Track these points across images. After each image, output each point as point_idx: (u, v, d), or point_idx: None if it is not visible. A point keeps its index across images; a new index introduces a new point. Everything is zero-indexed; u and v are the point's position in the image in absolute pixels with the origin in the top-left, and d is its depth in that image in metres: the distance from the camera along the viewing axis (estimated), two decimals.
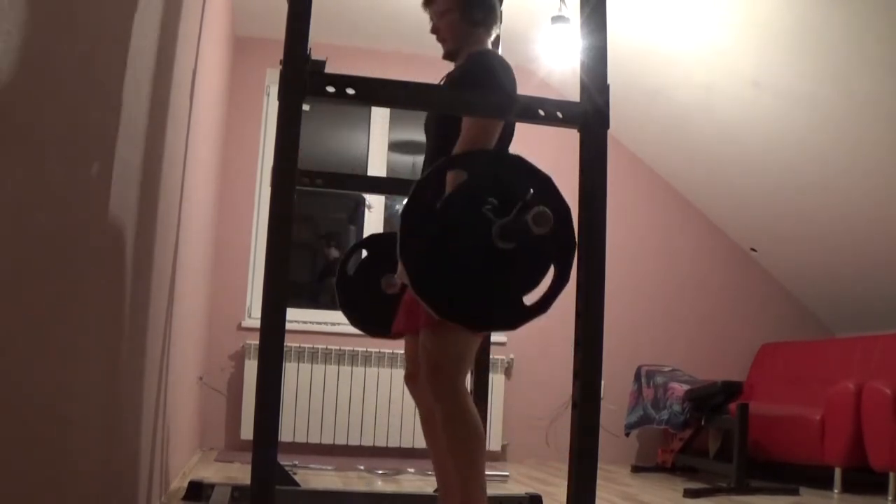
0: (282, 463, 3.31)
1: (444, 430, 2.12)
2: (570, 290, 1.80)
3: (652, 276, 5.56)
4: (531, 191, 1.72)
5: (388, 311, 2.57)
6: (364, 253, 2.89)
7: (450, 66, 2.49)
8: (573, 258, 1.76)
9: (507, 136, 2.35)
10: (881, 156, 4.08)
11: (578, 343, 1.84)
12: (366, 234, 5.14)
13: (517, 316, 1.75)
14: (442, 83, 2.44)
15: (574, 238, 1.76)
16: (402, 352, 4.88)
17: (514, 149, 6.30)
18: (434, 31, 2.44)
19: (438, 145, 2.33)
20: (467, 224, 1.69)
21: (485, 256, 1.69)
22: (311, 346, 4.93)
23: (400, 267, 2.44)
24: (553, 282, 1.75)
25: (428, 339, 2.16)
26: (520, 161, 1.81)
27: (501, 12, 2.50)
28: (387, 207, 5.34)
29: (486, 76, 2.24)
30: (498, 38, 2.55)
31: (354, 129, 5.55)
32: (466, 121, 2.19)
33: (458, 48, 2.40)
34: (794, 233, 5.13)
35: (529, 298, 1.76)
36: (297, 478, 3.36)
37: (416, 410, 2.57)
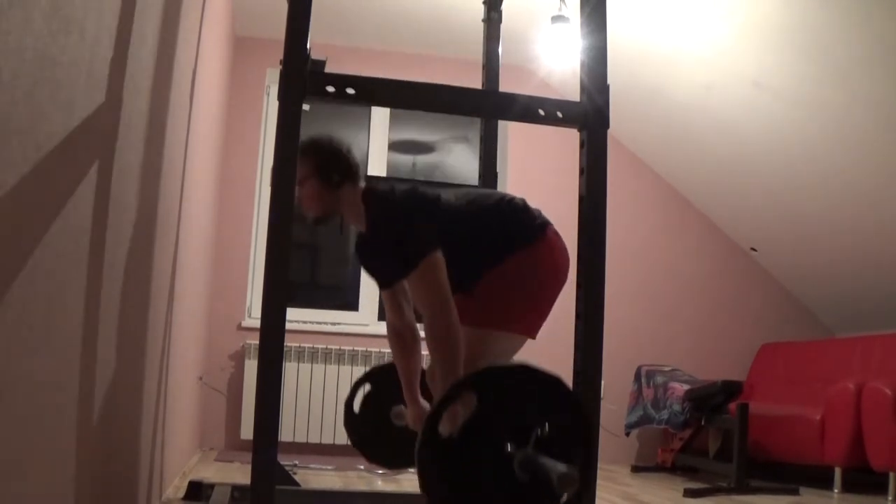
0: (282, 463, 3.31)
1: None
2: (571, 289, 1.80)
3: (652, 277, 5.56)
4: (545, 417, 1.65)
5: (401, 441, 2.56)
6: (369, 386, 2.80)
7: None
8: (594, 449, 1.71)
9: (455, 229, 2.27)
10: (881, 156, 4.08)
11: (578, 343, 1.85)
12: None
13: None
14: (361, 253, 2.48)
15: (593, 434, 1.71)
16: None
17: (513, 148, 6.29)
18: (298, 199, 2.30)
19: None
20: (486, 457, 1.63)
21: (507, 489, 1.63)
22: (311, 346, 4.93)
23: (410, 413, 2.54)
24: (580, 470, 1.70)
25: (474, 338, 2.19)
26: (529, 373, 1.71)
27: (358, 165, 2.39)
28: None
29: (400, 233, 2.19)
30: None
31: (354, 129, 5.54)
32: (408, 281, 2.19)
33: (331, 212, 2.33)
34: (794, 233, 5.13)
35: None
36: (297, 478, 3.36)
37: None
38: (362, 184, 2.34)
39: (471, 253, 2.27)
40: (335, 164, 2.30)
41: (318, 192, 2.30)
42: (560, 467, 1.54)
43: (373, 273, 2.51)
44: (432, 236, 2.14)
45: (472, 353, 2.15)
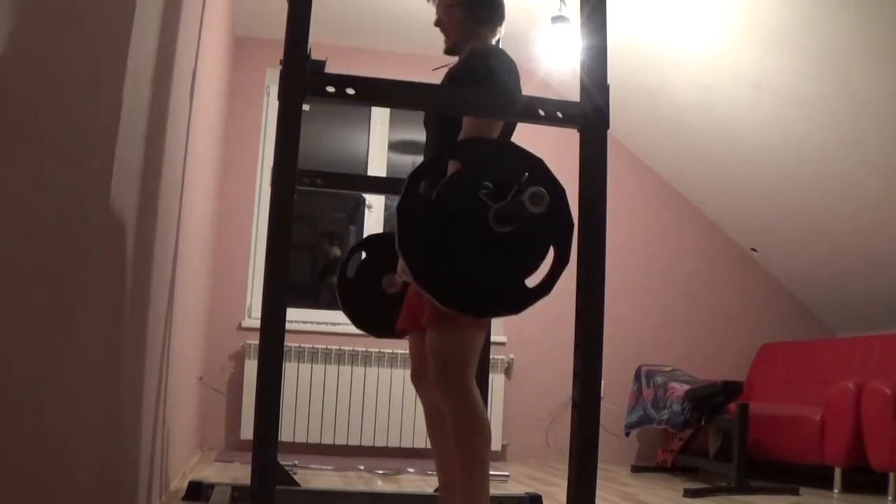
0: (282, 463, 3.31)
1: (451, 427, 2.12)
2: (571, 289, 1.80)
3: (652, 276, 5.56)
4: (525, 175, 1.72)
5: (392, 310, 2.57)
6: (363, 254, 2.89)
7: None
8: (572, 238, 1.76)
9: (508, 132, 2.35)
10: (881, 155, 4.08)
11: (578, 343, 1.84)
12: (366, 233, 5.14)
13: (520, 299, 1.74)
14: (444, 79, 2.44)
15: (571, 217, 1.77)
16: (402, 351, 4.88)
17: None
18: (438, 23, 2.43)
19: (439, 142, 2.33)
20: (464, 211, 1.68)
21: (484, 242, 1.69)
22: (311, 346, 4.93)
23: (400, 263, 2.43)
24: (553, 263, 1.75)
25: (434, 338, 2.16)
26: (512, 146, 1.82)
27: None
28: (387, 207, 5.34)
29: (486, 76, 2.23)
30: (499, 38, 2.55)
31: (354, 129, 5.55)
32: (467, 118, 2.19)
33: (461, 44, 2.39)
34: (794, 233, 5.13)
35: (531, 281, 1.76)
36: (297, 478, 3.36)
37: (417, 410, 2.57)
38: (499, 34, 2.41)
39: None
40: (485, 1, 2.36)
41: (461, 21, 2.37)
42: (531, 189, 1.60)
43: (427, 121, 2.47)
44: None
45: (441, 352, 2.14)
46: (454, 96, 1.99)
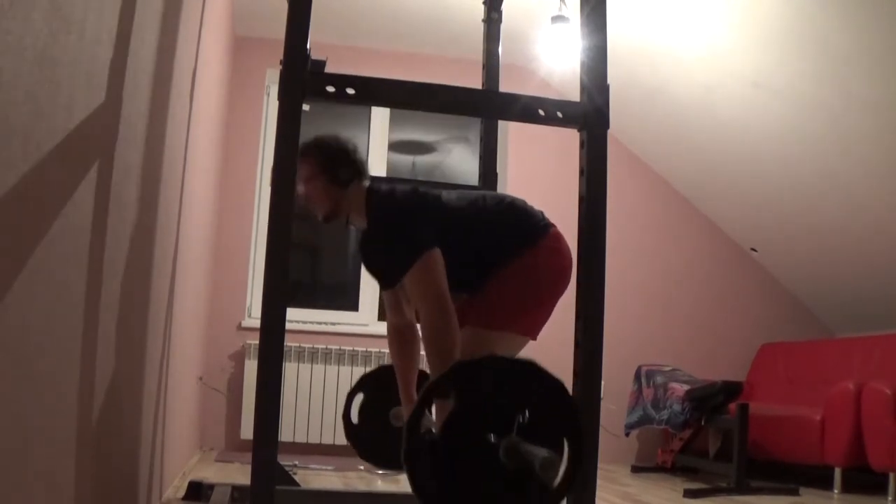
0: (282, 463, 3.31)
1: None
2: (570, 289, 1.80)
3: (652, 276, 5.56)
4: (524, 400, 1.67)
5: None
6: (363, 396, 2.79)
7: None
8: (581, 435, 1.70)
9: (460, 226, 2.29)
10: (881, 155, 4.08)
11: (578, 343, 1.85)
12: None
13: None
14: (364, 252, 2.47)
15: (575, 412, 1.70)
16: None
17: (513, 148, 6.28)
18: (305, 200, 2.34)
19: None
20: (472, 452, 1.64)
21: (497, 479, 1.63)
22: (311, 346, 4.93)
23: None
24: (570, 461, 1.69)
25: (482, 336, 2.20)
26: (499, 367, 1.72)
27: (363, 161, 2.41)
28: None
29: (398, 231, 2.20)
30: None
31: (354, 129, 5.55)
32: (406, 281, 2.17)
33: (338, 211, 2.35)
34: (794, 233, 5.13)
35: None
36: (297, 478, 3.36)
37: None
38: (367, 182, 2.35)
39: (473, 255, 2.27)
40: (342, 163, 2.31)
41: (325, 191, 2.31)
42: (541, 452, 1.55)
43: (374, 272, 2.52)
44: (430, 235, 2.15)
45: (474, 354, 2.15)
46: (454, 97, 1.99)
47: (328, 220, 2.36)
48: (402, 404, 2.55)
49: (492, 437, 1.64)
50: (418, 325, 2.31)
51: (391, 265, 2.31)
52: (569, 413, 1.69)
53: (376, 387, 2.73)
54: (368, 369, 4.94)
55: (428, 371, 2.44)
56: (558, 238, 2.32)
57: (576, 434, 1.68)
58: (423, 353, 2.25)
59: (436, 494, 1.64)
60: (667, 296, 5.57)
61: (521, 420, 1.64)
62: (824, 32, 3.67)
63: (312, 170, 2.29)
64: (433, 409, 2.16)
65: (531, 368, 1.69)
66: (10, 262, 1.06)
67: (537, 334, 2.33)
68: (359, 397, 2.76)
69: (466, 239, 2.25)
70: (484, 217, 2.30)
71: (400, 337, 2.52)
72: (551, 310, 2.33)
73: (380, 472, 3.98)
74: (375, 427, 2.69)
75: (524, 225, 2.31)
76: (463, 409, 1.66)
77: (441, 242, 2.15)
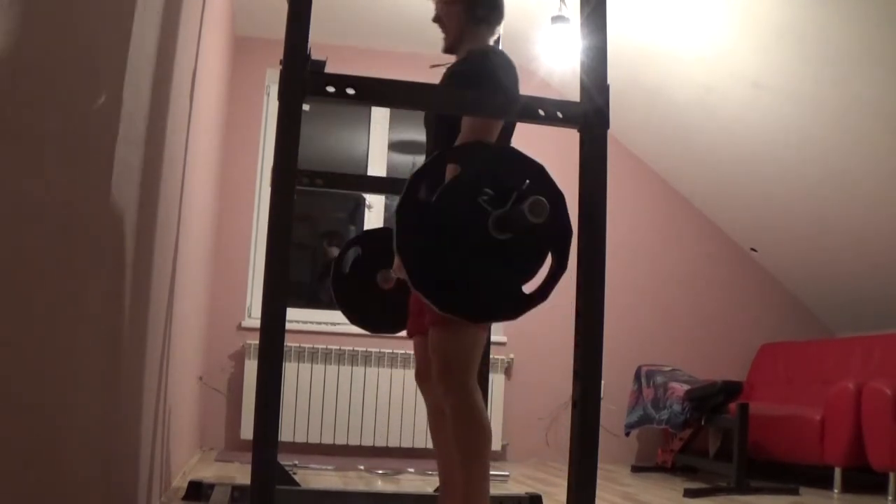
0: (282, 463, 3.31)
1: (452, 427, 2.13)
2: (571, 289, 1.80)
3: (652, 276, 5.56)
4: (526, 181, 1.71)
5: (387, 306, 2.57)
6: (359, 250, 2.88)
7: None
8: (570, 244, 1.76)
9: (508, 133, 2.34)
10: (881, 156, 4.08)
11: (578, 343, 1.84)
12: None
13: (518, 305, 1.75)
14: (443, 79, 2.44)
15: (569, 224, 1.76)
16: (402, 351, 4.88)
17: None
18: (436, 20, 2.42)
19: (439, 141, 2.32)
20: (463, 216, 1.68)
21: (482, 248, 1.68)
22: (311, 346, 4.93)
23: (396, 261, 2.44)
24: (551, 269, 1.75)
25: (436, 337, 2.17)
26: (513, 152, 1.82)
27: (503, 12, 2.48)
28: (387, 208, 5.34)
29: (486, 76, 2.23)
30: (499, 37, 2.54)
31: (354, 129, 5.55)
32: (466, 118, 2.19)
33: (459, 42, 2.38)
34: (794, 233, 5.13)
35: (528, 287, 1.76)
36: (297, 478, 3.36)
37: (417, 410, 2.57)
38: (496, 35, 2.40)
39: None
40: (485, 1, 2.35)
41: (460, 18, 2.35)
42: (530, 199, 1.59)
43: (427, 120, 2.46)
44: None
45: (444, 352, 2.15)
46: (454, 96, 1.99)
47: (449, 50, 2.39)
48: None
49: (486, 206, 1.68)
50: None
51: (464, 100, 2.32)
52: (560, 222, 1.73)
53: (373, 245, 2.76)
54: (368, 369, 4.98)
55: None
56: None
57: (563, 243, 1.73)
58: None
59: (418, 249, 1.68)
60: (667, 296, 5.56)
61: (515, 197, 1.68)
62: (825, 32, 3.67)
63: None
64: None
65: (541, 171, 1.74)
66: (10, 262, 1.06)
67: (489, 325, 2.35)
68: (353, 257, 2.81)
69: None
70: None
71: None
72: None
73: (379, 471, 3.97)
74: (363, 284, 2.72)
75: None
76: (464, 176, 1.72)
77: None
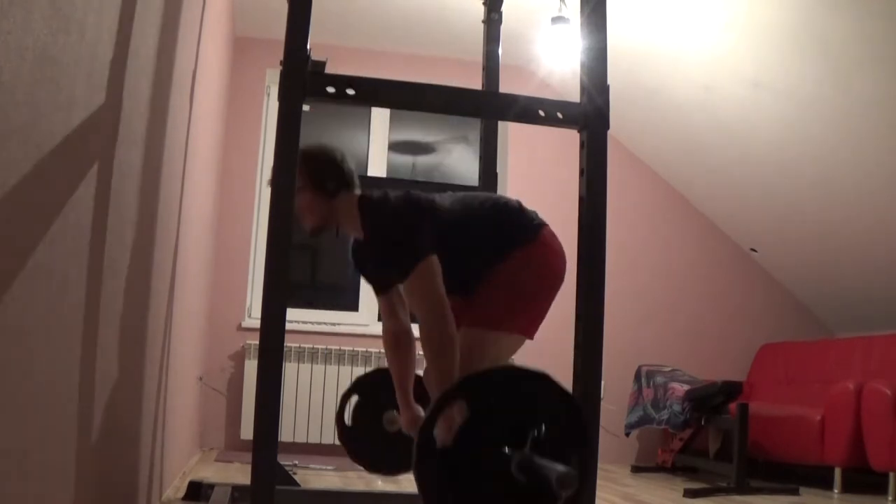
0: (282, 463, 3.31)
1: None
2: (571, 290, 1.80)
3: (652, 277, 5.56)
4: (536, 405, 1.64)
5: (396, 448, 2.56)
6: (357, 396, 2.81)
7: None
8: (590, 449, 1.70)
9: (455, 230, 2.27)
10: (882, 156, 4.08)
11: (578, 344, 1.84)
12: None
13: None
14: (357, 258, 2.48)
15: (585, 430, 1.68)
16: None
17: (513, 149, 6.28)
18: (298, 210, 2.27)
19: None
20: (483, 465, 1.62)
21: (507, 489, 1.61)
22: (311, 346, 4.93)
23: (404, 418, 2.52)
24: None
25: (480, 337, 2.20)
26: (513, 377, 1.68)
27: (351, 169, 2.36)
28: None
29: (396, 238, 2.18)
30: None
31: (354, 129, 5.54)
32: (406, 284, 2.15)
33: (326, 222, 2.32)
34: (794, 233, 5.13)
35: None
36: (297, 478, 3.36)
37: None
38: (357, 191, 2.32)
39: (467, 256, 2.26)
40: (329, 173, 2.27)
41: (313, 202, 2.28)
42: (558, 468, 1.53)
43: (369, 278, 2.51)
44: (427, 241, 2.14)
45: (471, 355, 2.15)
46: (454, 97, 1.99)
47: (315, 232, 2.32)
48: (399, 408, 2.55)
49: (505, 450, 1.61)
50: (415, 328, 2.30)
51: (389, 272, 2.30)
52: (578, 428, 1.67)
53: (371, 389, 2.74)
54: (368, 369, 4.97)
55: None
56: (551, 236, 2.32)
57: (586, 451, 1.67)
58: (420, 355, 2.25)
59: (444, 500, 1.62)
60: (667, 296, 5.56)
61: (535, 434, 1.61)
62: (825, 32, 3.67)
63: (299, 181, 2.25)
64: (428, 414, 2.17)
65: (545, 380, 1.65)
66: (10, 262, 1.06)
67: (534, 333, 2.32)
68: (353, 400, 2.77)
69: (460, 241, 2.25)
70: (476, 218, 2.29)
71: (397, 342, 2.52)
72: (547, 308, 2.32)
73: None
74: (369, 430, 2.69)
75: (516, 224, 2.30)
76: (477, 419, 1.63)
77: (435, 246, 2.15)
